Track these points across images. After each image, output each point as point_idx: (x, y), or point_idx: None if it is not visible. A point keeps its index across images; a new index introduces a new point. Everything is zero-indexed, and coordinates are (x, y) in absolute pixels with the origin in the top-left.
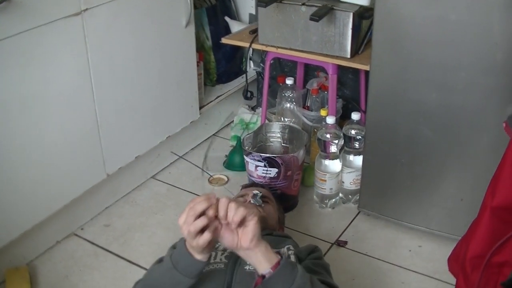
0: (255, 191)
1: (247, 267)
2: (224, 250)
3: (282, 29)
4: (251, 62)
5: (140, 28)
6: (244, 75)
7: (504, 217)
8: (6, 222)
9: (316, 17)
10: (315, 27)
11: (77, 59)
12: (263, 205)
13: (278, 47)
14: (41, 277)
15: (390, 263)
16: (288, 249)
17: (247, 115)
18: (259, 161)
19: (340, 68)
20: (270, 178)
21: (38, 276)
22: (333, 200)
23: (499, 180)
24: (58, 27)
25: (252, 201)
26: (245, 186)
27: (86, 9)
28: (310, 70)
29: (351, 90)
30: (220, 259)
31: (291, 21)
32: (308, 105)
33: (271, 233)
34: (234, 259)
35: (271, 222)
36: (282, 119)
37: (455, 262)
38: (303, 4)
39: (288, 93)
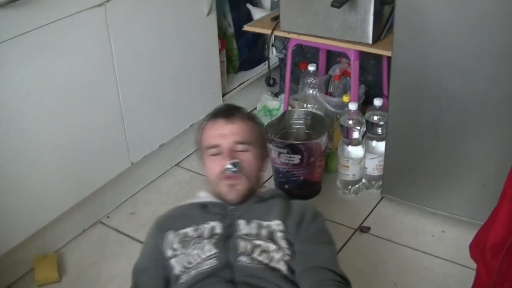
0: (228, 165)
1: (243, 258)
2: (211, 235)
3: (304, 16)
4: (274, 48)
5: (162, 17)
6: (267, 62)
7: None
8: (34, 210)
9: (337, 3)
10: (336, 14)
11: (101, 49)
12: (239, 172)
13: (300, 34)
14: (68, 264)
15: (413, 249)
16: (278, 229)
17: (270, 102)
18: (281, 148)
19: (362, 54)
20: (293, 164)
21: (66, 263)
22: (356, 186)
23: None
24: (82, 18)
25: (227, 172)
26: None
27: (109, 0)
28: (333, 56)
29: (373, 75)
30: (210, 253)
31: (313, 8)
32: (331, 91)
33: (259, 199)
34: (226, 248)
35: (250, 180)
36: (305, 106)
37: (476, 249)
38: None
39: (311, 79)
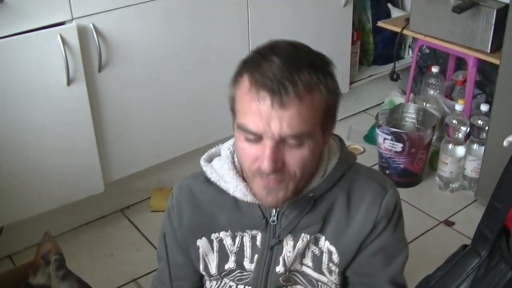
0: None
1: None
2: (252, 254)
3: (431, 19)
4: (410, 50)
5: (299, 1)
6: (401, 60)
7: None
8: (158, 146)
9: (458, 9)
10: (460, 20)
11: (238, 21)
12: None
13: (426, 35)
14: None
15: None
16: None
17: (397, 98)
18: (387, 134)
19: (487, 64)
20: (395, 152)
21: None
22: (453, 184)
23: None
24: None
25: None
26: None
27: None
28: (462, 63)
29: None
30: None
31: (439, 12)
32: (453, 95)
33: (308, 202)
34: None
35: (299, 182)
36: (424, 104)
37: None
38: None
39: (432, 81)
